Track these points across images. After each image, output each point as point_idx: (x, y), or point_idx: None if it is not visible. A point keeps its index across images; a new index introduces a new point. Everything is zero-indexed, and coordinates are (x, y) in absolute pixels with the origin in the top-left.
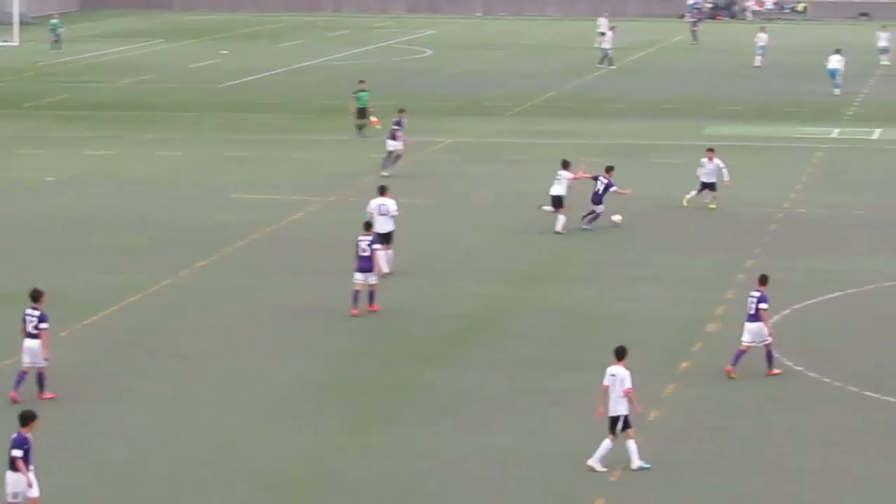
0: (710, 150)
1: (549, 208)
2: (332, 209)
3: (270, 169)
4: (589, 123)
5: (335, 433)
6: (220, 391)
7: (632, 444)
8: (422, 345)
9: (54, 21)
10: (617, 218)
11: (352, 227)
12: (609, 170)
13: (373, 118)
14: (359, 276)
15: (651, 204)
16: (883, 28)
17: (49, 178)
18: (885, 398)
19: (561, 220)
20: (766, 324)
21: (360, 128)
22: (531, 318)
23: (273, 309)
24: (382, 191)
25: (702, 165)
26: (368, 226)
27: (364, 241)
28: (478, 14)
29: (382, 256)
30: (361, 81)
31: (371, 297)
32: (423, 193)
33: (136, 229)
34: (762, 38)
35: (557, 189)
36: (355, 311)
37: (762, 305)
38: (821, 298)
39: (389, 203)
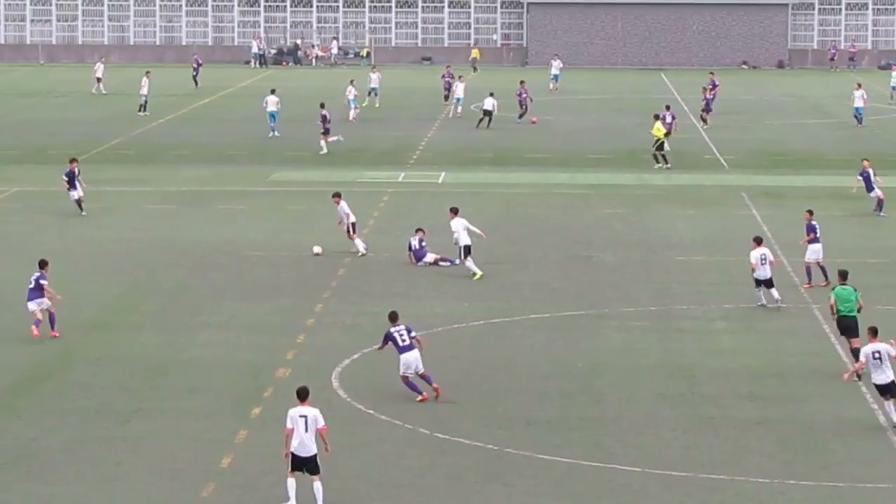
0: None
1: None
2: None
3: None
4: (152, 170)
5: None
6: None
7: (318, 486)
8: None
9: None
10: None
11: None
12: None
13: None
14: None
15: (218, 250)
16: (373, 69)
17: None
18: (455, 439)
19: None
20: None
21: None
22: (98, 367)
23: None
24: None
25: None
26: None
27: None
28: (41, 62)
29: None
30: None
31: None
32: None
33: None
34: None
35: None
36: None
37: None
38: None
39: None
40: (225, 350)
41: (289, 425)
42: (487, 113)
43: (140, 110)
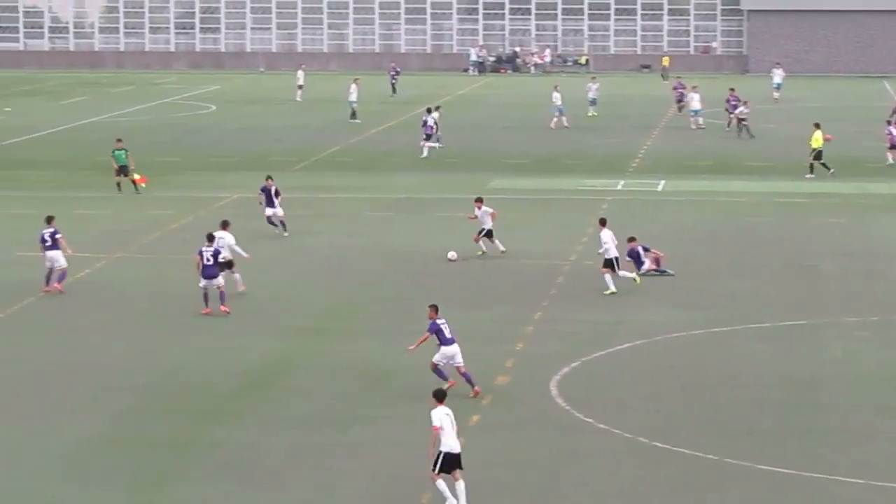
0: (479, 199)
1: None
2: (120, 266)
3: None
4: (371, 178)
5: (120, 492)
6: (1, 451)
7: (462, 485)
8: (206, 401)
9: None
10: (452, 255)
11: (139, 283)
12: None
13: (136, 176)
14: (204, 282)
15: (436, 258)
16: (592, 79)
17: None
18: (676, 449)
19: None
20: None
21: (119, 185)
22: (317, 374)
23: (57, 366)
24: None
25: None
26: (211, 238)
27: (208, 251)
28: (261, 69)
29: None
30: (119, 140)
31: (221, 297)
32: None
33: None
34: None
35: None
36: (207, 311)
37: None
38: (610, 350)
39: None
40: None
41: (437, 424)
42: (741, 121)
43: (351, 117)
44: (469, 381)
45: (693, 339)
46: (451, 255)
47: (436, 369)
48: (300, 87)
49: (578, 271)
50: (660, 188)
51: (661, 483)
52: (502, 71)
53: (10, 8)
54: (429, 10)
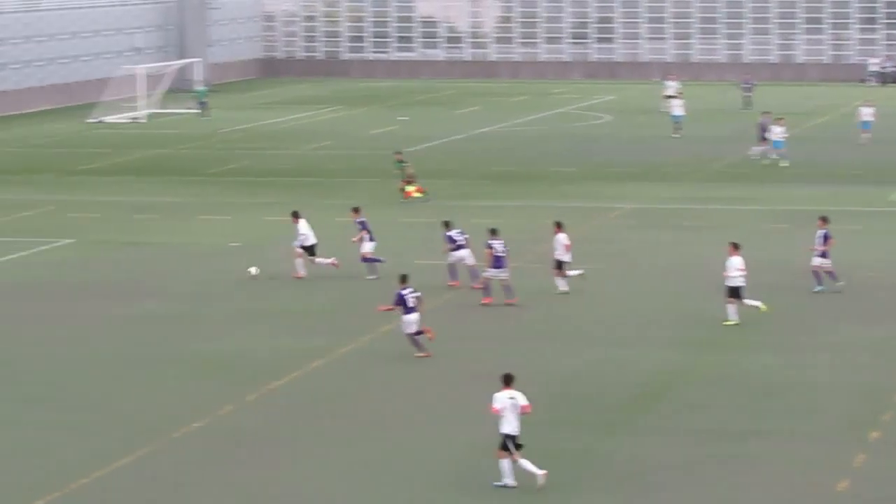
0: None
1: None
2: (513, 275)
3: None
4: (766, 189)
5: (513, 500)
6: (395, 456)
7: (525, 461)
8: (598, 412)
9: (200, 89)
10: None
11: (530, 293)
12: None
13: (413, 187)
14: (492, 272)
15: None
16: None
17: (233, 244)
18: None
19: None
20: None
21: (410, 193)
22: (714, 386)
23: (457, 374)
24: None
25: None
26: (494, 231)
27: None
28: (655, 79)
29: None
30: (398, 153)
31: (507, 290)
32: (600, 259)
33: (319, 294)
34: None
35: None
36: (488, 300)
37: None
38: None
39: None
40: (842, 372)
41: (497, 406)
42: None
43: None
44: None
45: None
46: (575, 272)
47: (411, 338)
48: (671, 97)
49: None
50: None
51: None
52: None
53: (407, 18)
54: (827, 21)
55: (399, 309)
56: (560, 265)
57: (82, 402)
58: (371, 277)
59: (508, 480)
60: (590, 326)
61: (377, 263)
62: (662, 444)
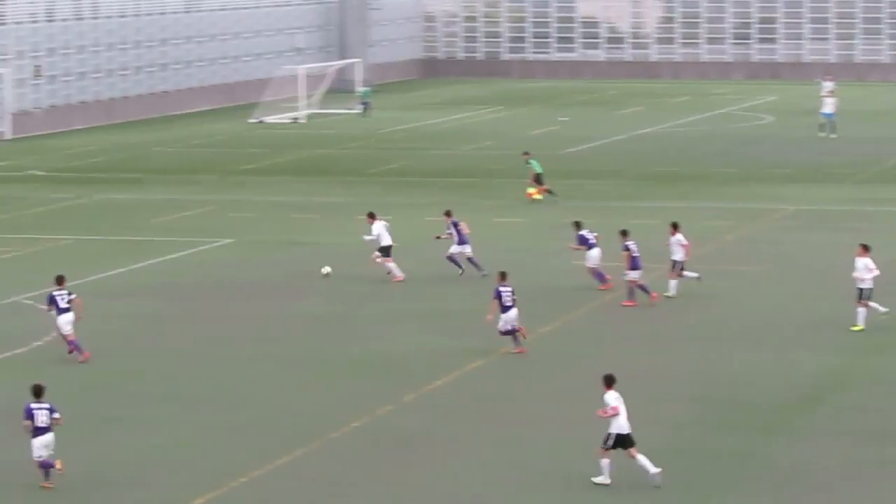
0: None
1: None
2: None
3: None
4: None
5: (674, 500)
6: (551, 457)
7: (642, 456)
8: (759, 413)
9: (363, 89)
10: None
11: (687, 296)
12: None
13: (535, 189)
14: (633, 274)
15: None
16: None
17: (393, 244)
18: None
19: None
20: None
21: (550, 192)
22: (875, 389)
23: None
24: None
25: None
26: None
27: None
28: (817, 80)
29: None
30: (525, 153)
31: (644, 288)
32: (763, 261)
33: (480, 295)
34: None
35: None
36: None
37: None
38: None
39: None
40: None
41: (616, 405)
42: None
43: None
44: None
45: None
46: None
47: (504, 334)
48: (826, 96)
49: None
50: None
51: None
52: None
53: (567, 19)
54: None
55: (496, 304)
56: (676, 266)
57: (241, 402)
58: (482, 273)
59: (604, 479)
60: (746, 328)
61: (472, 265)
62: (823, 447)
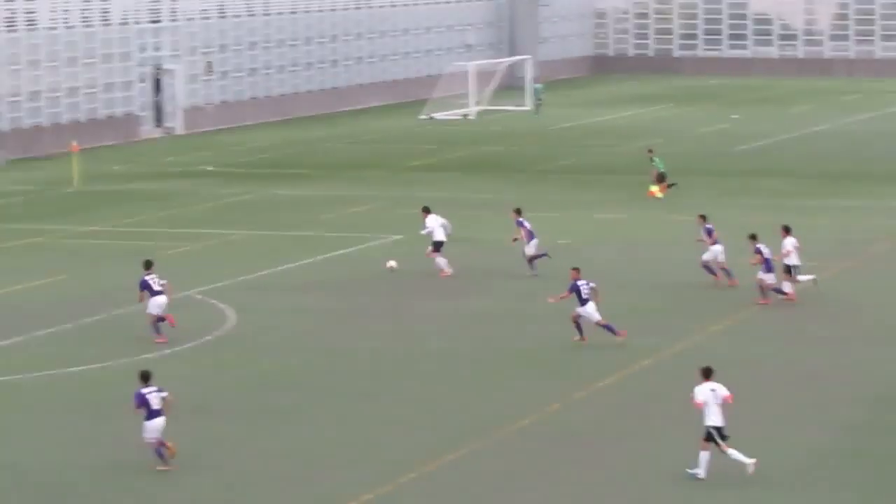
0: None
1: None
2: (849, 276)
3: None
4: None
5: (845, 502)
6: (722, 457)
7: (733, 450)
8: None
9: (537, 86)
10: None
11: (866, 294)
12: None
13: (657, 187)
14: (767, 276)
15: None
16: None
17: (561, 241)
18: None
19: None
20: None
21: (670, 185)
22: None
23: (786, 376)
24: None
25: None
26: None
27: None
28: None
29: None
30: (650, 150)
31: (779, 291)
32: None
33: (648, 292)
34: None
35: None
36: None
37: None
38: None
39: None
40: None
41: (699, 399)
42: None
43: None
44: (611, 330)
45: None
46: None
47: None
48: None
49: None
50: None
51: None
52: None
53: (740, 15)
54: None
55: (571, 296)
56: (789, 270)
57: (411, 398)
58: (531, 274)
59: (701, 472)
60: None
61: (539, 259)
62: None
